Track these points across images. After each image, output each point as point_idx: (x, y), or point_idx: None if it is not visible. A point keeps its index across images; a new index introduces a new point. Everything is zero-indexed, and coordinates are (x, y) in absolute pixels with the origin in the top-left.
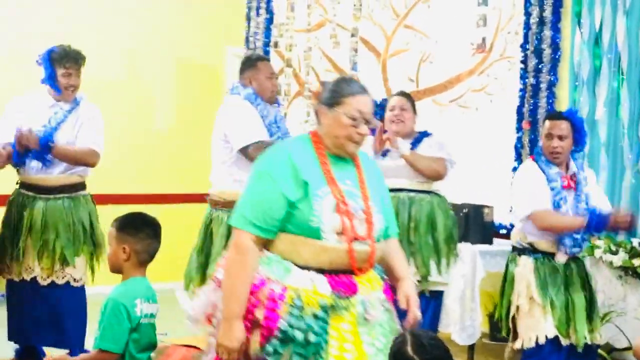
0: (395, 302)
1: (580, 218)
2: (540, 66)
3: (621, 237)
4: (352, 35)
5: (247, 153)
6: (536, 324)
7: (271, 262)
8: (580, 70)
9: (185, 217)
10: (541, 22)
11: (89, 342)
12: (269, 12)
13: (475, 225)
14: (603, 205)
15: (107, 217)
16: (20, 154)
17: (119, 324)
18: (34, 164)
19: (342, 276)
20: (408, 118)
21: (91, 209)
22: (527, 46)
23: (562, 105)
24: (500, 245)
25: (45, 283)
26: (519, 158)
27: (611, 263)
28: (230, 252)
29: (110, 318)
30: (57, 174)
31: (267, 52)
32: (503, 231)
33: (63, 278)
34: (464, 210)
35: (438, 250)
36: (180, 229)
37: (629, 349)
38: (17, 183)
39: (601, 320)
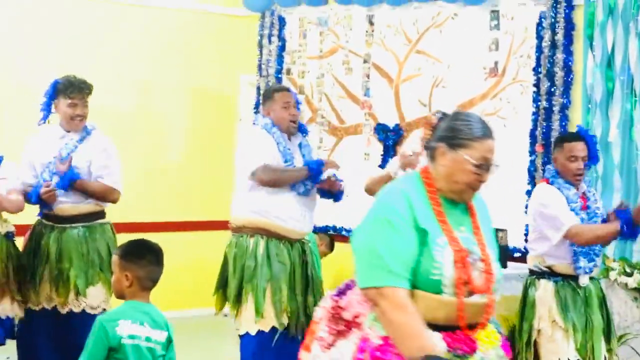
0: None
1: (613, 223)
2: (552, 89)
3: (636, 258)
4: (365, 61)
5: (256, 178)
6: (558, 348)
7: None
8: (592, 93)
9: (201, 245)
10: (553, 45)
11: None
12: (281, 39)
13: None
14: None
15: None
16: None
17: (95, 342)
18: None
19: (459, 332)
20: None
21: (109, 238)
22: (540, 69)
23: (575, 128)
24: (514, 269)
25: (64, 311)
26: (532, 181)
27: (626, 285)
28: (389, 318)
29: (91, 335)
30: (72, 204)
31: (279, 80)
32: (517, 255)
33: (79, 306)
34: None
35: None
36: (196, 256)
37: None
38: (38, 213)
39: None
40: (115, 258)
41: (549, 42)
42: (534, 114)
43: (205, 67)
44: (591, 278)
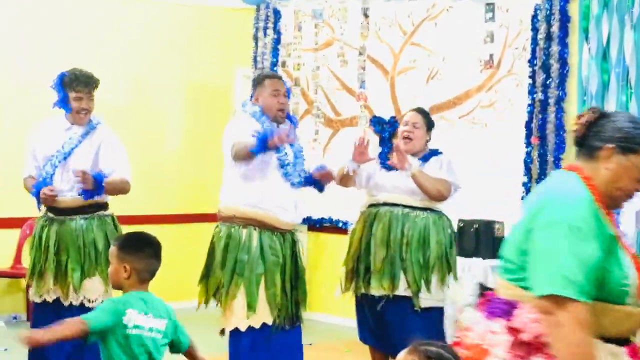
0: None
1: None
2: (548, 81)
3: None
4: (360, 54)
5: (233, 156)
6: None
7: None
8: (588, 85)
9: (196, 237)
10: (548, 37)
11: None
12: (276, 32)
13: (486, 240)
14: None
15: None
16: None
17: (106, 311)
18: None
19: (632, 346)
20: (418, 136)
21: (109, 230)
22: (535, 62)
23: (571, 120)
24: None
25: (66, 304)
26: (528, 173)
27: None
28: (565, 334)
29: (104, 304)
30: (70, 196)
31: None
32: None
33: (78, 299)
34: (475, 226)
35: (428, 267)
36: (191, 248)
37: None
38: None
39: None
40: (113, 249)
41: (544, 35)
42: (529, 106)
43: (201, 60)
44: None
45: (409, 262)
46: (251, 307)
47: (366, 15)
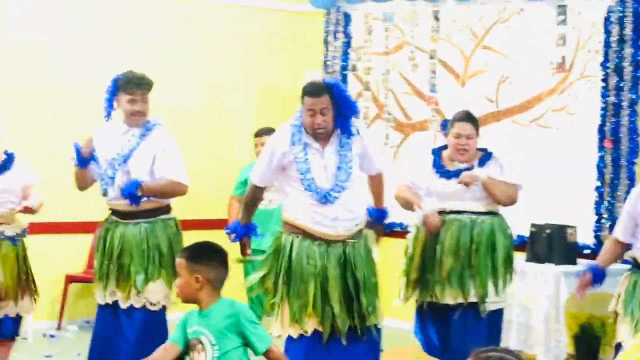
0: None
1: None
2: (621, 84)
3: None
4: (431, 57)
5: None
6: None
7: None
8: None
9: None
10: (621, 39)
11: None
12: (346, 35)
13: (559, 245)
14: None
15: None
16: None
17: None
18: (113, 190)
19: None
20: (473, 145)
21: (172, 233)
22: (608, 64)
23: None
24: (584, 266)
25: (124, 307)
26: (601, 177)
27: None
28: None
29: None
30: (126, 203)
31: (345, 76)
32: (587, 251)
33: (139, 302)
34: (547, 231)
35: (496, 271)
36: None
37: None
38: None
39: None
40: (181, 261)
41: (617, 37)
42: (602, 109)
43: (271, 64)
44: None
45: (477, 268)
46: (292, 316)
47: (437, 19)
